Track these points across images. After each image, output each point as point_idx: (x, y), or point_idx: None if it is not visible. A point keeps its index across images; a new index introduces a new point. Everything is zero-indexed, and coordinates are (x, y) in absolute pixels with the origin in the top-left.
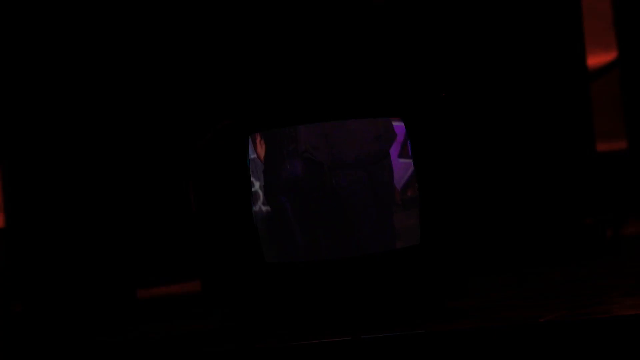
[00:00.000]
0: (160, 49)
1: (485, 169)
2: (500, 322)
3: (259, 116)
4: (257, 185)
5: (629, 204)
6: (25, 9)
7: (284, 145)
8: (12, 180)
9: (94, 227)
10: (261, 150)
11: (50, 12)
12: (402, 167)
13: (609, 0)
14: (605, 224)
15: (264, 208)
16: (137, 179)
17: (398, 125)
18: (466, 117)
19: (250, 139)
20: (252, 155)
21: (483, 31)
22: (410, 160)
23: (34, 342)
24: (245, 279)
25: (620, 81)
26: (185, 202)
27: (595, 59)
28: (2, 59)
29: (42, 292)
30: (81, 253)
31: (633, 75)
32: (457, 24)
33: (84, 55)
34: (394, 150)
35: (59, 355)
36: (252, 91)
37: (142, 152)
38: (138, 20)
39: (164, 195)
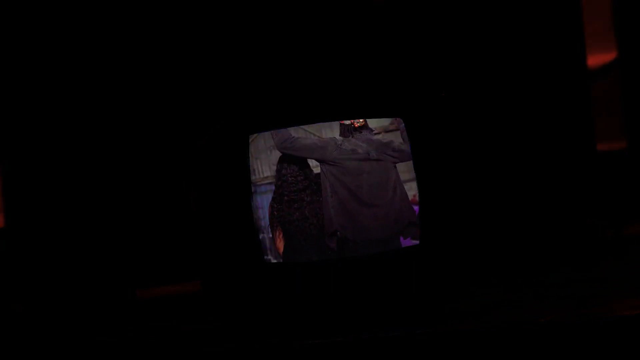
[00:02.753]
0: (161, 49)
1: (485, 170)
2: (500, 322)
3: (259, 116)
4: (273, 262)
5: (630, 204)
6: (25, 9)
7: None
8: (12, 180)
9: (94, 227)
10: (280, 243)
11: (50, 12)
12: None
13: (609, 0)
14: (606, 224)
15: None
16: (136, 179)
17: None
18: (466, 117)
19: (272, 230)
20: (271, 237)
21: (483, 31)
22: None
23: (34, 342)
24: (245, 279)
25: (620, 81)
26: (185, 202)
27: (595, 59)
28: (2, 59)
29: (42, 292)
30: (81, 253)
31: (633, 75)
32: (457, 24)
33: (84, 55)
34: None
35: (59, 355)
36: (252, 91)
37: (142, 152)
38: (138, 20)
39: (164, 195)
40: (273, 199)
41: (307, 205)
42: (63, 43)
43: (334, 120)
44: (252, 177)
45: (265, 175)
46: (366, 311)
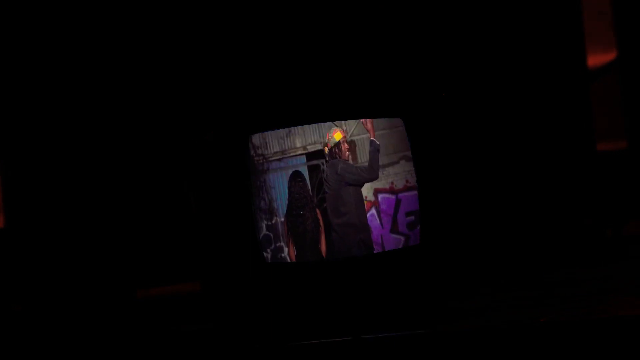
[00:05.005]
0: (160, 49)
1: (485, 169)
2: (500, 322)
3: (259, 116)
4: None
5: (629, 204)
6: (26, 9)
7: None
8: (12, 180)
9: (94, 227)
10: (292, 252)
11: (50, 12)
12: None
13: (609, 0)
14: (605, 224)
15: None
16: (136, 179)
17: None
18: (466, 117)
19: None
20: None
21: (483, 31)
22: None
23: (34, 342)
24: (245, 279)
25: (620, 81)
26: (185, 202)
27: (595, 59)
28: (2, 59)
29: (42, 292)
30: (81, 253)
31: (633, 75)
32: (457, 23)
33: (84, 55)
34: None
35: (59, 355)
36: (252, 91)
37: (141, 152)
38: (138, 20)
39: (163, 195)
40: (286, 213)
41: (309, 218)
42: (63, 43)
43: (334, 120)
44: (265, 152)
45: (275, 150)
46: (366, 311)
